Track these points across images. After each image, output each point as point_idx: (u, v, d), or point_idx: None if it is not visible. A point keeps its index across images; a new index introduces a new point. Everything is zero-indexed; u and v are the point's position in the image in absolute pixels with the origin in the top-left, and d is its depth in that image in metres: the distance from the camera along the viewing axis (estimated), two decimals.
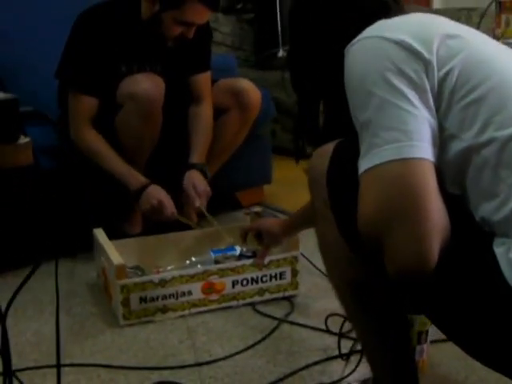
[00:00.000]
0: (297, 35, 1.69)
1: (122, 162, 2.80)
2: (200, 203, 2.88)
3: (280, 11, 5.01)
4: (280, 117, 4.18)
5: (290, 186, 3.66)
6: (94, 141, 2.81)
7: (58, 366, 1.51)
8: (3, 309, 1.37)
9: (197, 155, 2.97)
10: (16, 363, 1.83)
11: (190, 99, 3.06)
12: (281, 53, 5.01)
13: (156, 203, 2.74)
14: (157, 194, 2.76)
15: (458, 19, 4.87)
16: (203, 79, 3.07)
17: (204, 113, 3.05)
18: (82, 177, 2.94)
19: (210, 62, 3.11)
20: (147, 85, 2.71)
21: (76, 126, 2.82)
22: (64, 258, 2.89)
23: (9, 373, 1.35)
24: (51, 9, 3.38)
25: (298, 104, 1.74)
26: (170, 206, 2.76)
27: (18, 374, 1.75)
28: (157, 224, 2.88)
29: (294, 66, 1.72)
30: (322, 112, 1.71)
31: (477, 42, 1.37)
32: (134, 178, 2.79)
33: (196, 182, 2.89)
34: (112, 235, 2.64)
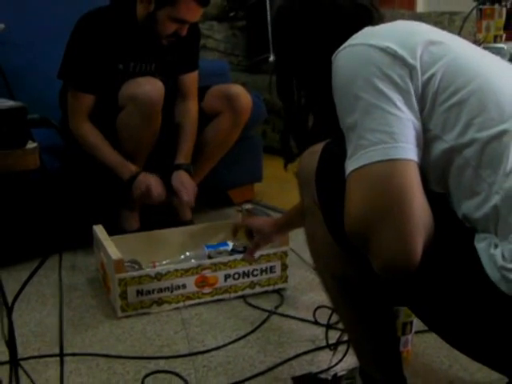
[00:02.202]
0: (282, 44, 1.69)
1: (115, 153, 2.84)
2: (188, 199, 2.92)
3: (270, 18, 5.01)
4: (271, 118, 4.18)
5: (280, 183, 3.67)
6: (90, 133, 2.84)
7: (61, 355, 1.51)
8: (9, 301, 1.37)
9: (183, 156, 3.00)
10: (20, 352, 1.83)
11: (177, 96, 3.09)
12: (271, 58, 5.02)
13: (144, 188, 2.80)
14: (146, 179, 2.81)
15: (440, 23, 4.85)
16: (191, 78, 3.11)
17: (190, 110, 3.08)
18: (83, 176, 2.95)
19: (198, 62, 3.15)
20: (148, 88, 2.74)
21: (74, 120, 2.85)
22: (65, 253, 2.89)
23: (14, 362, 1.35)
24: (59, 16, 3.37)
25: (285, 112, 1.75)
26: (156, 189, 2.82)
27: (21, 362, 1.76)
28: (150, 207, 2.96)
29: (281, 75, 1.72)
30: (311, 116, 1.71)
31: (459, 48, 1.37)
32: (126, 168, 2.83)
33: (184, 181, 2.93)
34: (111, 231, 2.64)
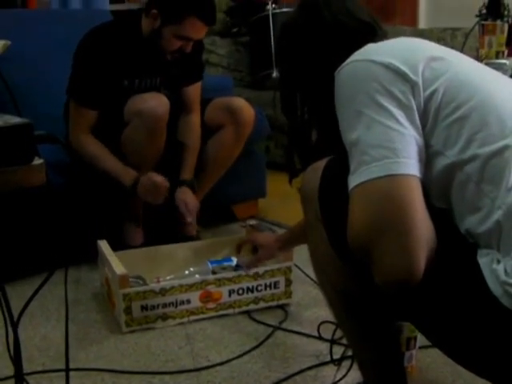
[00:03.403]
0: (287, 60, 1.70)
1: (115, 160, 2.84)
2: (191, 219, 2.95)
3: (273, 34, 5.03)
4: (273, 134, 4.18)
5: (283, 199, 3.66)
6: (90, 143, 2.85)
7: (67, 370, 1.51)
8: (15, 317, 1.37)
9: (186, 172, 3.02)
10: (24, 367, 1.82)
11: (181, 109, 3.10)
12: (274, 73, 5.02)
13: (150, 185, 2.79)
14: (150, 178, 2.80)
15: (443, 39, 4.85)
16: (195, 89, 3.12)
17: (194, 123, 3.09)
18: (88, 192, 2.96)
19: (203, 73, 3.16)
20: (154, 103, 2.75)
21: (75, 133, 2.87)
22: (69, 268, 2.89)
23: (20, 377, 1.36)
24: (64, 31, 3.38)
25: (289, 127, 1.76)
26: (162, 183, 2.80)
27: (26, 377, 1.75)
28: (155, 210, 2.96)
29: (285, 90, 1.73)
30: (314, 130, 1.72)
31: (460, 64, 1.39)
32: (128, 174, 2.83)
33: (187, 200, 2.94)
34: (115, 246, 2.64)
